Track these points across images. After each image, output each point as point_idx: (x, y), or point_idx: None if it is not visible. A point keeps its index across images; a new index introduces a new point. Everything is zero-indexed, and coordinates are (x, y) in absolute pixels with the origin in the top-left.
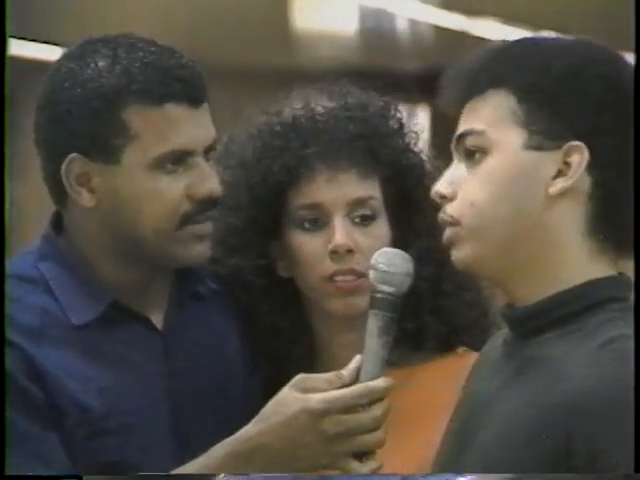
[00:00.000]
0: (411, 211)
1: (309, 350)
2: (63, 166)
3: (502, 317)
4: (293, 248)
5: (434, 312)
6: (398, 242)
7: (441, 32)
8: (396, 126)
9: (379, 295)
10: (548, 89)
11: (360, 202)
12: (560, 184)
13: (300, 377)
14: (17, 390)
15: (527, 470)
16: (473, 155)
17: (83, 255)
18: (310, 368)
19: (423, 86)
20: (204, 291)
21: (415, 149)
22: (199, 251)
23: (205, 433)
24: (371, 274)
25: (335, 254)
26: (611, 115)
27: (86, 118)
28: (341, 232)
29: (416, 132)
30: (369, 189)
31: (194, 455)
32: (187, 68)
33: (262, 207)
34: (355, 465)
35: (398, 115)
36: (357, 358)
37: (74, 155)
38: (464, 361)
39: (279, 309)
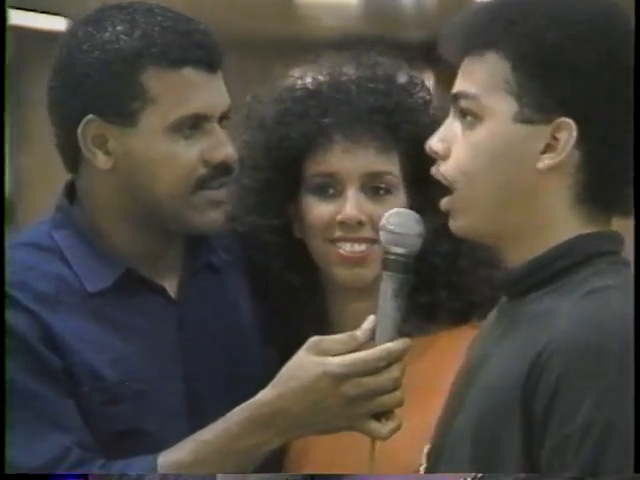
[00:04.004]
0: (430, 187)
1: (321, 313)
2: (80, 128)
3: (497, 280)
4: (305, 213)
5: (449, 287)
6: None
7: None
8: (420, 102)
9: (391, 257)
10: (542, 60)
11: (376, 176)
12: (548, 160)
13: (314, 339)
14: (34, 356)
15: (501, 416)
16: (466, 116)
17: (97, 224)
18: (322, 332)
19: (428, 54)
20: (217, 261)
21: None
22: (213, 217)
23: (219, 401)
24: (382, 235)
25: (344, 225)
26: (604, 89)
27: (104, 81)
28: (352, 204)
29: (442, 108)
30: (387, 164)
31: (208, 423)
32: (205, 34)
33: (279, 170)
34: (375, 426)
35: (423, 91)
36: (371, 319)
37: (91, 117)
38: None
39: (293, 267)
